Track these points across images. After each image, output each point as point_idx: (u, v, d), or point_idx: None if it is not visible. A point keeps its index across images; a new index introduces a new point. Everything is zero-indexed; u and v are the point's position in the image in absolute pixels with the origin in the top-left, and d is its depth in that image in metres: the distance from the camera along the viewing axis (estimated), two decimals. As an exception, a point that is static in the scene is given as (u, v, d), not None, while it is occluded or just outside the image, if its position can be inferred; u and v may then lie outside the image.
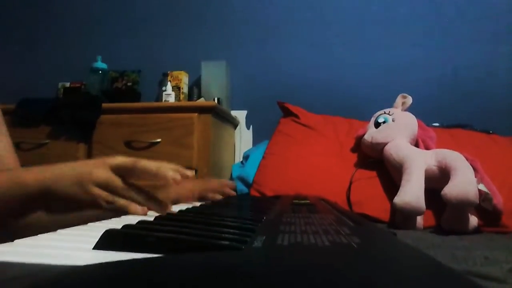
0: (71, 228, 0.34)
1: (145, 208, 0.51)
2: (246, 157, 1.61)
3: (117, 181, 0.51)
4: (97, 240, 0.28)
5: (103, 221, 0.41)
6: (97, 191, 0.50)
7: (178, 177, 0.51)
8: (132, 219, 0.40)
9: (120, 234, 0.29)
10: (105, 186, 0.51)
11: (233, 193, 0.89)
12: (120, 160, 0.53)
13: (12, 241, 0.27)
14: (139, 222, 0.37)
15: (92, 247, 0.27)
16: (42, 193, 0.50)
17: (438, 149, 1.23)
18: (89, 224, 0.38)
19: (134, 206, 0.50)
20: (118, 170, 0.52)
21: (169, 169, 0.52)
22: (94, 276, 0.19)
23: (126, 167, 0.52)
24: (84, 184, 0.50)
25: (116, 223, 0.40)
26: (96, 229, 0.32)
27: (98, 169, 0.51)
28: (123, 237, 0.28)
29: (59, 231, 0.32)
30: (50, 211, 0.54)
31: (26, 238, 0.28)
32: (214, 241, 0.28)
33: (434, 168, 1.16)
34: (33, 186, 0.50)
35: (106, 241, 0.28)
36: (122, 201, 0.50)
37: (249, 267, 0.20)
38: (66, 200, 0.50)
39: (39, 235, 0.30)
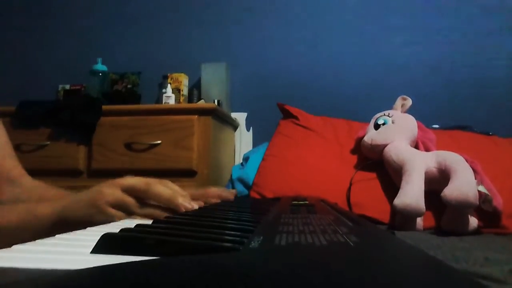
0: (69, 233, 0.34)
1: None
2: (246, 158, 1.61)
3: (129, 199, 0.51)
4: (94, 244, 0.28)
5: (100, 225, 0.41)
6: (112, 210, 0.50)
7: (188, 205, 0.53)
8: (129, 223, 0.40)
9: (118, 238, 0.29)
10: (119, 205, 0.51)
11: (232, 197, 0.88)
12: (132, 181, 0.53)
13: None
14: (137, 226, 0.37)
15: (90, 251, 0.27)
16: (57, 223, 0.50)
17: (438, 151, 1.23)
18: (88, 228, 0.38)
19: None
20: (130, 191, 0.52)
21: (180, 197, 0.53)
22: (92, 279, 0.19)
23: (138, 189, 0.52)
24: (98, 205, 0.50)
25: (113, 227, 0.40)
26: (94, 233, 0.32)
27: (110, 189, 0.52)
28: (121, 241, 0.28)
29: (57, 236, 0.32)
30: None
31: (24, 244, 0.28)
32: (211, 243, 0.28)
33: (434, 169, 1.16)
34: (47, 218, 0.50)
35: (104, 245, 0.28)
36: (137, 219, 0.51)
37: (246, 267, 0.20)
38: (82, 225, 0.50)
39: (37, 240, 0.30)
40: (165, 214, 0.52)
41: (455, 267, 0.64)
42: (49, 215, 0.50)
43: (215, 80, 1.91)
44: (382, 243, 0.30)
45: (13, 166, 0.79)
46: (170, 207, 0.53)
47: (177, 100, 1.86)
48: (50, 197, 0.67)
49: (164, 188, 0.53)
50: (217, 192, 0.79)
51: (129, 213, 0.51)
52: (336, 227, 0.35)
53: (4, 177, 0.76)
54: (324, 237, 0.29)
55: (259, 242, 0.27)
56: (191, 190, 0.73)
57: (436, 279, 0.19)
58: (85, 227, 0.50)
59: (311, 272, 0.19)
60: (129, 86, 1.98)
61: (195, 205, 0.54)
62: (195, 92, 1.93)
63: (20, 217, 0.51)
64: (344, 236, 0.29)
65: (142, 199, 0.52)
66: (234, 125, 1.97)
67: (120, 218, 0.50)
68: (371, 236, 0.32)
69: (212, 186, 0.85)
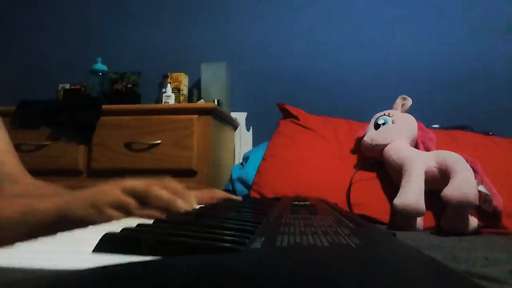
0: (70, 231, 0.34)
1: None
2: (246, 158, 1.61)
3: (129, 201, 0.52)
4: (96, 243, 0.28)
5: (102, 224, 0.41)
6: (111, 212, 0.50)
7: (188, 208, 0.53)
8: (131, 223, 0.40)
9: (119, 237, 0.29)
10: (118, 206, 0.51)
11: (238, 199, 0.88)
12: (132, 183, 0.53)
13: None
14: (138, 225, 0.37)
15: (91, 250, 0.27)
16: (56, 220, 0.50)
17: (438, 151, 1.23)
18: (89, 227, 0.38)
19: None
20: (130, 193, 0.53)
21: (179, 200, 0.54)
22: (93, 279, 0.19)
23: (138, 191, 0.53)
24: (98, 205, 0.50)
25: (115, 226, 0.40)
26: (95, 233, 0.32)
27: (110, 190, 0.52)
28: (122, 240, 0.28)
29: (58, 234, 0.32)
30: None
31: (25, 242, 0.28)
32: (212, 243, 0.28)
33: (434, 169, 1.16)
34: (47, 213, 0.50)
35: (105, 244, 0.28)
36: (138, 220, 0.50)
37: (248, 268, 0.20)
38: (80, 224, 0.50)
39: (38, 239, 0.30)
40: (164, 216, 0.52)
41: (455, 268, 0.64)
42: (49, 211, 0.50)
43: (215, 79, 1.91)
44: (383, 245, 0.30)
45: (14, 163, 0.79)
46: (169, 210, 0.53)
47: (177, 99, 1.86)
48: (51, 195, 0.67)
49: (164, 192, 0.53)
50: (224, 196, 0.79)
51: (129, 215, 0.51)
52: (337, 228, 0.35)
53: (5, 174, 0.76)
54: (326, 239, 0.29)
55: (261, 243, 0.27)
56: (198, 192, 0.73)
57: (437, 282, 0.19)
58: (84, 225, 0.50)
59: (313, 273, 0.19)
60: (129, 85, 1.98)
61: (196, 207, 0.54)
62: (195, 91, 1.93)
63: (20, 210, 0.51)
64: (346, 238, 0.29)
65: (142, 201, 0.52)
66: (234, 125, 1.97)
67: (119, 219, 0.50)
68: (372, 238, 0.32)
69: (218, 190, 0.85)
